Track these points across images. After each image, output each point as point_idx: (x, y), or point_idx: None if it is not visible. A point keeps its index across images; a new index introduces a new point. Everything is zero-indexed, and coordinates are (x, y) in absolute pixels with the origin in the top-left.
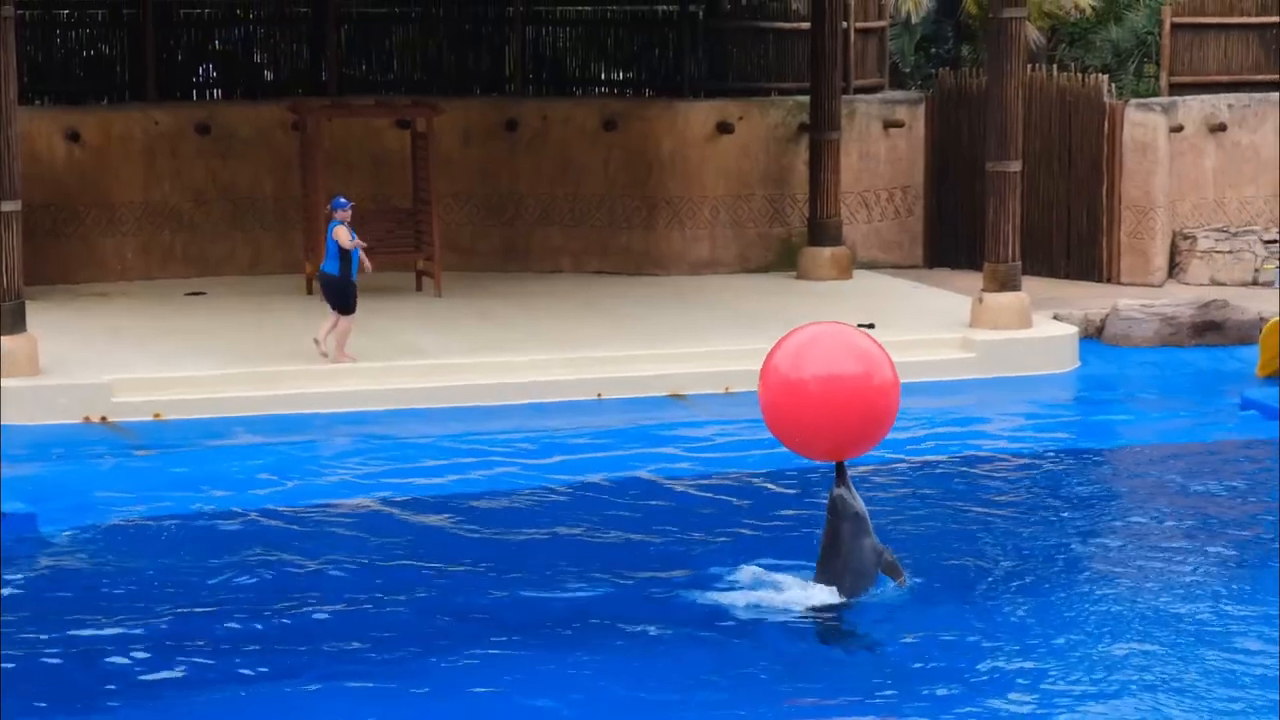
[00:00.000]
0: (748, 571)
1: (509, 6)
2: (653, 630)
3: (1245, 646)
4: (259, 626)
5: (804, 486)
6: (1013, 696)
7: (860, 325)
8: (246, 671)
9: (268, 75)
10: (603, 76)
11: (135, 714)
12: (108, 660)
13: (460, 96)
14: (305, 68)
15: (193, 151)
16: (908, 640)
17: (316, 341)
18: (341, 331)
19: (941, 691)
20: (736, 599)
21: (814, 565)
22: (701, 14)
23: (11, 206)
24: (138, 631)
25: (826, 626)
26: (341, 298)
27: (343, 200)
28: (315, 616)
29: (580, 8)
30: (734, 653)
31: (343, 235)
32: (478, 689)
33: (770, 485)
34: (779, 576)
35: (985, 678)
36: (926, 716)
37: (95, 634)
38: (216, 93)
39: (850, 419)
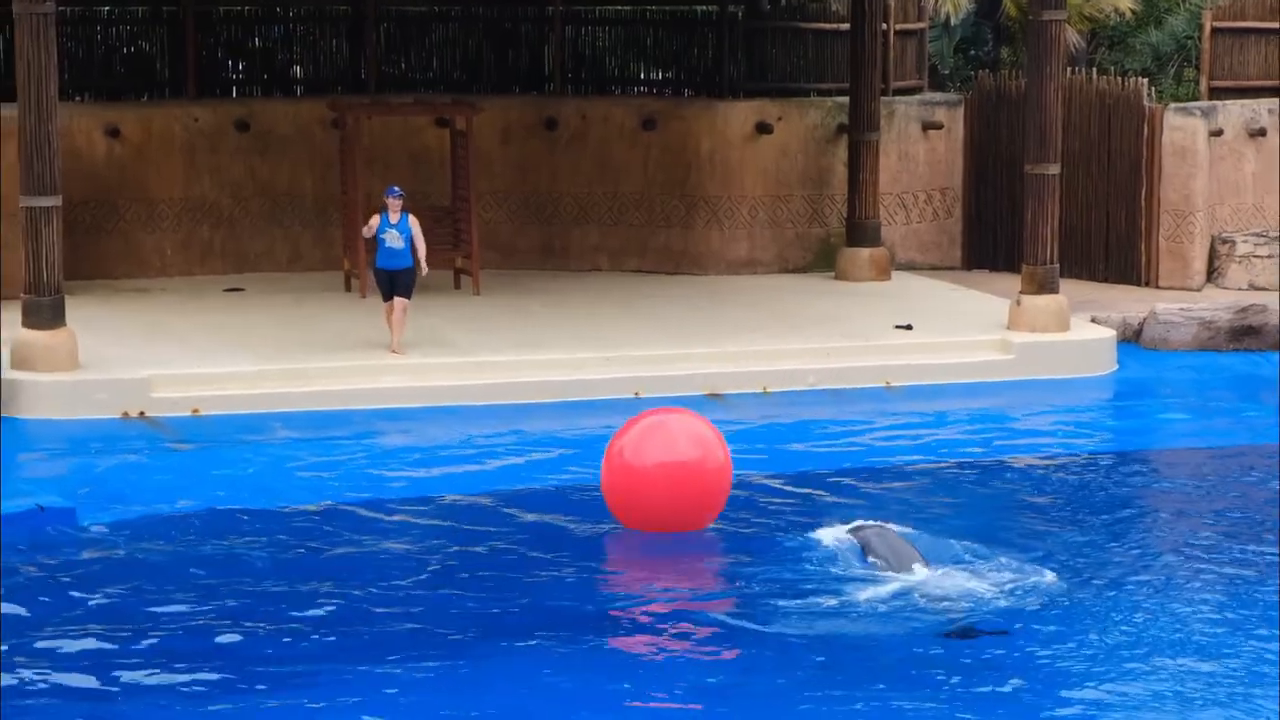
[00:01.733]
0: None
1: (549, 6)
2: (710, 629)
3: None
4: (291, 624)
5: (840, 490)
6: (1056, 695)
7: (899, 326)
8: (274, 669)
9: (306, 73)
10: (642, 76)
11: (162, 708)
12: (140, 655)
13: (499, 95)
14: (345, 65)
15: (232, 148)
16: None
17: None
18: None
19: (983, 688)
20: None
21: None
22: (741, 14)
23: (52, 202)
24: (171, 626)
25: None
26: None
27: (393, 189)
28: (343, 615)
29: (620, 7)
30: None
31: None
32: (534, 685)
33: (805, 489)
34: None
35: (1025, 676)
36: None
37: (129, 628)
38: (256, 90)
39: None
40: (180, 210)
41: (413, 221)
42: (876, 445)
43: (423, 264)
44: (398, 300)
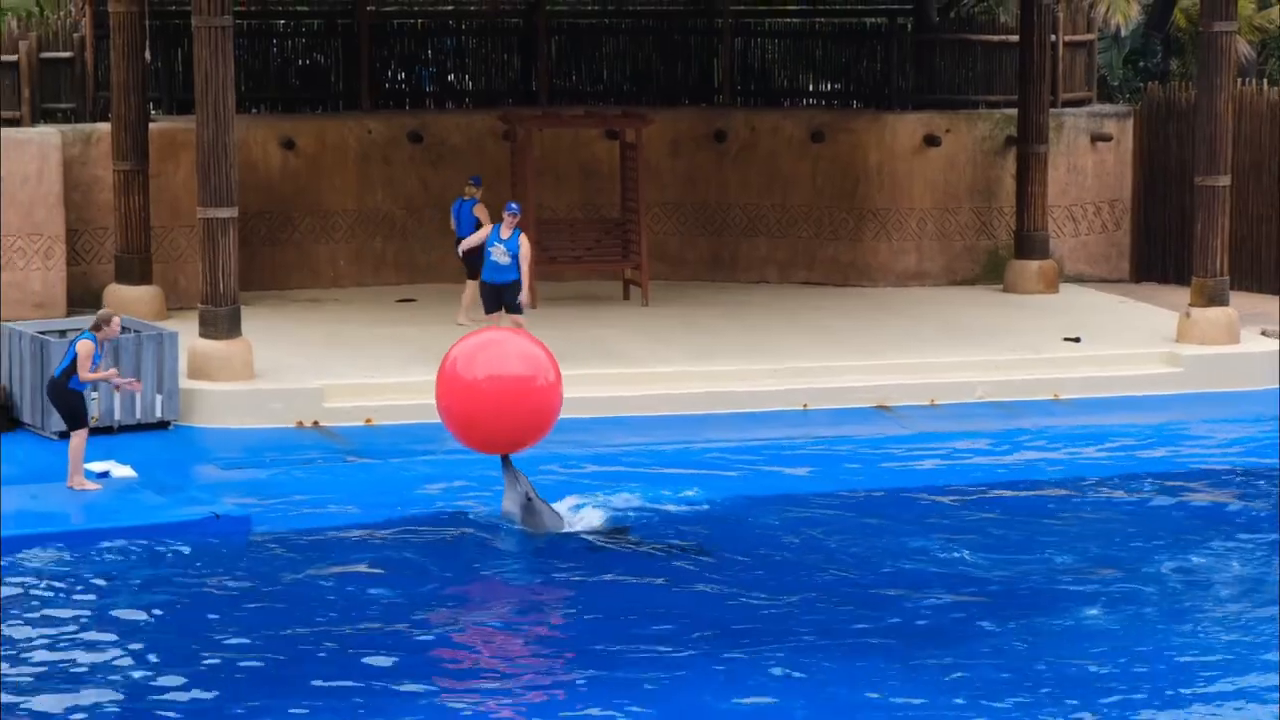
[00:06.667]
0: None
1: (718, 18)
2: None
3: None
4: (467, 634)
5: (1020, 497)
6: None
7: (1067, 339)
8: (456, 673)
9: (478, 85)
10: (810, 88)
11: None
12: (308, 661)
13: (669, 107)
14: (516, 78)
15: (405, 159)
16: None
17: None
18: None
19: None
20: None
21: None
22: (910, 26)
23: (229, 213)
24: (343, 633)
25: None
26: None
27: (512, 205)
28: (520, 626)
29: (789, 20)
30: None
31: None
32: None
33: (968, 498)
34: None
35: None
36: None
37: (299, 634)
38: (429, 102)
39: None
40: (354, 221)
41: (523, 240)
42: (1045, 458)
43: (524, 287)
44: (512, 318)
